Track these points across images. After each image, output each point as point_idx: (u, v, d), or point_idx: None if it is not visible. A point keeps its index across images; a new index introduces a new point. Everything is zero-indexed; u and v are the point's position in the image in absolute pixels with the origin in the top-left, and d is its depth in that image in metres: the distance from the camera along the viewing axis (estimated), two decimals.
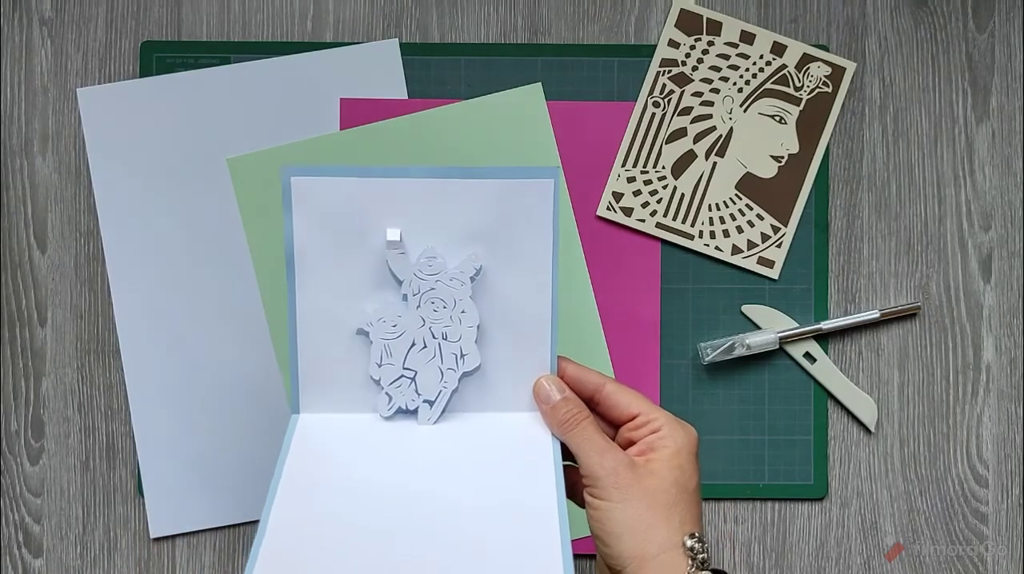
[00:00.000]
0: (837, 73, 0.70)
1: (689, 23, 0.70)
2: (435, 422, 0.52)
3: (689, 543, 0.47)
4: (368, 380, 0.53)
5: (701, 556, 0.47)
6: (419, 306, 0.52)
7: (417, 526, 0.46)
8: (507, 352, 0.53)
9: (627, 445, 0.51)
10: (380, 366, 0.52)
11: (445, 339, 0.52)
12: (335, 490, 0.48)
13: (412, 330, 0.52)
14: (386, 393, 0.52)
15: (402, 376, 0.52)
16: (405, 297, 0.52)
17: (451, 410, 0.53)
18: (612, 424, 0.53)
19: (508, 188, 0.51)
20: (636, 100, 0.70)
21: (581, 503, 0.51)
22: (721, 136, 0.70)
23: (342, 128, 0.69)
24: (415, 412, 0.53)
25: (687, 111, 0.70)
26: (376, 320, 0.52)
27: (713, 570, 0.47)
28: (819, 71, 0.70)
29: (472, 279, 0.52)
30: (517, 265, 0.52)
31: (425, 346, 0.52)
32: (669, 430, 0.50)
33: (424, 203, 0.52)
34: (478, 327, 0.52)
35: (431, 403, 0.52)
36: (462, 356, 0.52)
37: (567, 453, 0.51)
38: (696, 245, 0.70)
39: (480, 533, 0.46)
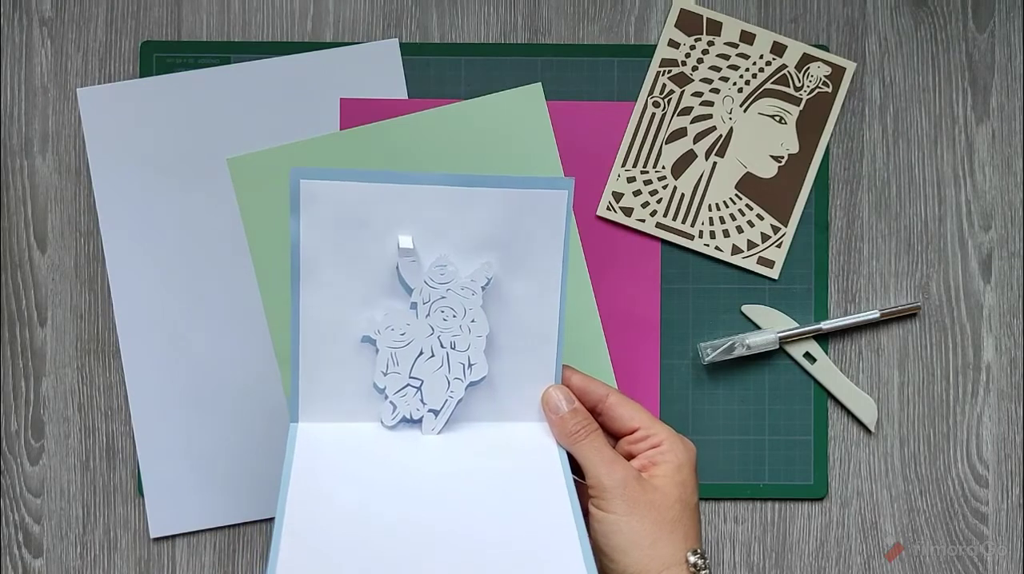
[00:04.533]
0: (837, 73, 0.70)
1: (689, 23, 0.70)
2: (439, 432, 0.52)
3: (692, 559, 0.48)
4: (369, 389, 0.52)
5: (704, 572, 0.48)
6: (428, 314, 0.51)
7: (430, 543, 0.45)
8: (513, 362, 0.52)
9: (627, 458, 0.51)
10: (386, 374, 0.51)
11: (453, 348, 0.51)
12: (346, 508, 0.47)
13: (420, 339, 0.51)
14: (391, 402, 0.51)
15: (408, 385, 0.51)
16: (414, 305, 0.51)
17: (455, 419, 0.52)
18: (612, 435, 0.53)
19: (522, 198, 0.50)
20: (636, 100, 0.70)
21: (583, 516, 0.50)
22: (721, 136, 0.70)
23: (342, 128, 0.69)
24: (419, 421, 0.52)
25: (687, 111, 0.70)
26: (384, 328, 0.51)
27: None
28: (819, 71, 0.70)
29: (483, 288, 0.51)
30: (527, 274, 0.51)
31: (433, 355, 0.51)
32: (670, 445, 0.50)
33: (436, 210, 0.50)
34: (487, 337, 0.51)
35: (436, 413, 0.51)
36: (470, 366, 0.51)
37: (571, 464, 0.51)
38: (696, 245, 0.70)
39: (496, 549, 0.45)
